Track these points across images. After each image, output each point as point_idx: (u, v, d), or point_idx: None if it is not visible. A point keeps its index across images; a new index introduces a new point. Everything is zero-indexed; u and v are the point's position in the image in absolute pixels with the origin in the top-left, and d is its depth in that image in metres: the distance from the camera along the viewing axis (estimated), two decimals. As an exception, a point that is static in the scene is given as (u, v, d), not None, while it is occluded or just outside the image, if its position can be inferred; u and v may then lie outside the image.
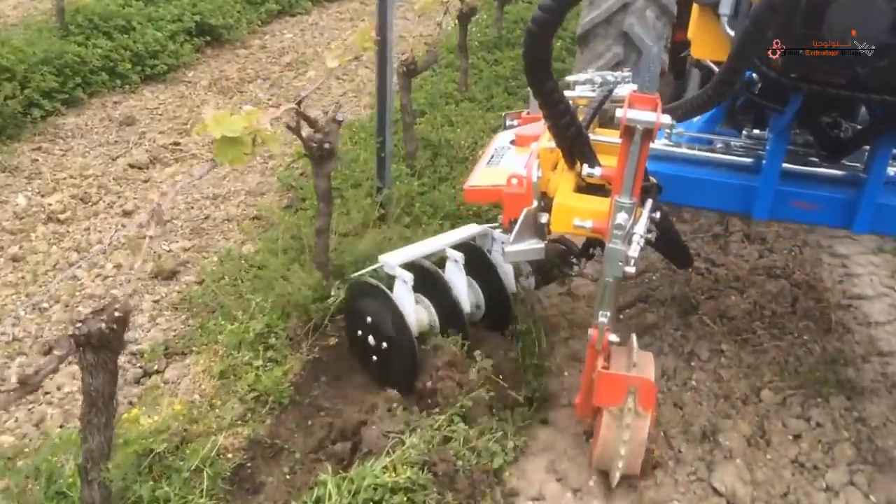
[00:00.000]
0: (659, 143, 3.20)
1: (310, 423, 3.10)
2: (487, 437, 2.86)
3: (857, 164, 3.11)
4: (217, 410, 2.96)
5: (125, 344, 3.57)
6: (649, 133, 2.24)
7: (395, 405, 2.92)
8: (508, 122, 4.08)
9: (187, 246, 4.46)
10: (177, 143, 5.83)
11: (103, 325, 2.03)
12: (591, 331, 2.62)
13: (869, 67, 2.22)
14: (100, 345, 2.05)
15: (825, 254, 4.73)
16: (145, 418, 2.80)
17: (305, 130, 3.24)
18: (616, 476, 2.73)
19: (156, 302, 3.94)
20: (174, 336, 3.66)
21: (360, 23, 8.97)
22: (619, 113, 2.24)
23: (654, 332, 3.83)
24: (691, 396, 3.39)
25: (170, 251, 4.40)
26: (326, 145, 3.24)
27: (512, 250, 2.86)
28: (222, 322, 3.39)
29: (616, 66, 4.58)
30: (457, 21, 6.18)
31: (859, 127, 3.17)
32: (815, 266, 4.53)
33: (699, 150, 3.27)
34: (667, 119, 2.28)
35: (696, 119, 3.32)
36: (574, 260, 3.50)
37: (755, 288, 4.21)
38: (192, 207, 4.94)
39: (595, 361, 2.63)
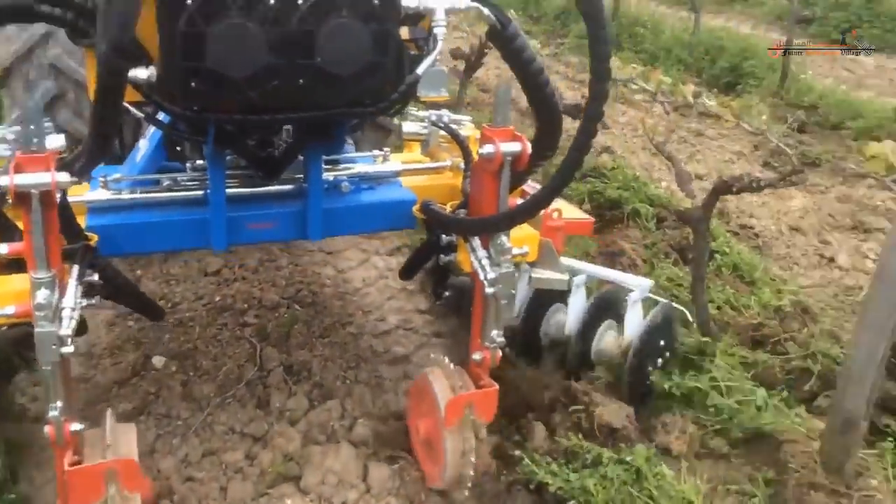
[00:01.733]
0: (95, 194, 2.93)
1: None
2: None
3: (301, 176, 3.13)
4: None
5: None
6: (50, 196, 2.05)
7: None
8: None
9: None
10: None
11: None
12: (46, 429, 2.24)
13: (259, 90, 2.20)
14: None
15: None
16: None
17: None
18: None
19: None
20: None
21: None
22: (2, 181, 2.00)
23: None
24: None
25: None
26: None
27: None
28: None
29: (53, 101, 4.22)
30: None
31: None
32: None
33: (143, 192, 3.03)
34: (65, 178, 2.06)
35: (137, 160, 3.09)
36: None
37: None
38: None
39: (63, 460, 2.27)
